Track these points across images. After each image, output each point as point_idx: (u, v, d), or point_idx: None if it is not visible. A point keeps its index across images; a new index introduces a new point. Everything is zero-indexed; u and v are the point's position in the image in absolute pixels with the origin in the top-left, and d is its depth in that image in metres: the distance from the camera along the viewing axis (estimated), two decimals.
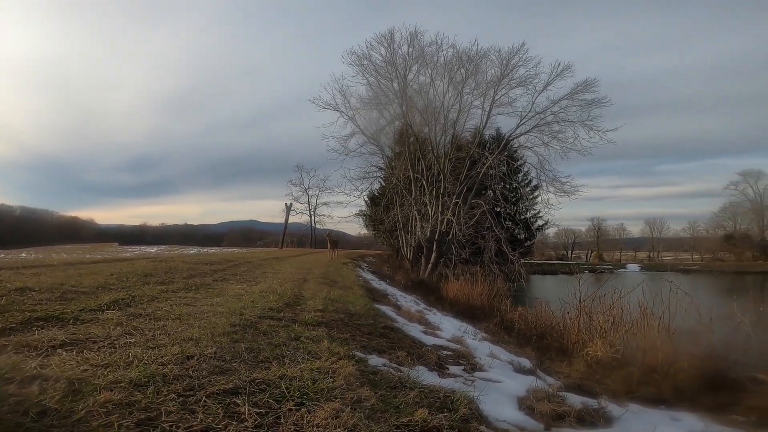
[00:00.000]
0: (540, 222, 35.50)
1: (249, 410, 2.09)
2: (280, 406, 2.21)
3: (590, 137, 22.58)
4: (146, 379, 2.28)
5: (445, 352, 4.87)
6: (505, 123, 25.52)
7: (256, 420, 2.02)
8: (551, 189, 24.73)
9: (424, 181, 25.64)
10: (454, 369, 3.92)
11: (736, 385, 5.13)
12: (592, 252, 69.70)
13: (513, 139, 25.40)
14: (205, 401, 2.15)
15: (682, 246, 68.55)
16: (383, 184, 32.43)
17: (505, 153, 25.39)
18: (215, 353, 2.93)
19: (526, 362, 5.58)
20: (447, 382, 3.26)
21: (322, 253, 27.25)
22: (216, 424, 1.92)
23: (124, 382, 2.21)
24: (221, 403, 2.13)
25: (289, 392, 2.38)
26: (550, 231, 40.91)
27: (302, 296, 6.29)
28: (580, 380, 4.92)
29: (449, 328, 7.28)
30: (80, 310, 3.99)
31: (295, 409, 2.18)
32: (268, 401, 2.26)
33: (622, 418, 3.27)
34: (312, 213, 54.16)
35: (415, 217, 25.95)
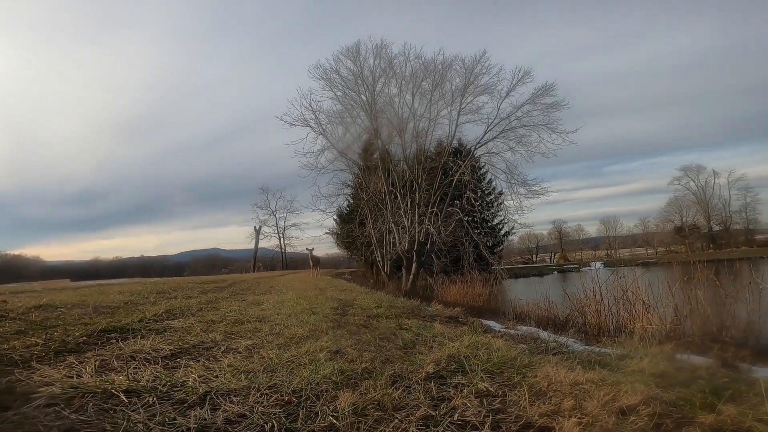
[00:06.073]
0: (506, 228, 36.03)
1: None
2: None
3: (553, 140, 23.35)
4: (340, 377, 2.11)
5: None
6: (472, 131, 25.98)
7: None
8: (521, 191, 25.25)
9: (397, 193, 25.56)
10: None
11: None
12: (555, 254, 72.06)
13: (481, 145, 25.84)
14: (414, 386, 2.03)
15: (636, 242, 72.22)
16: (351, 201, 32.23)
17: (473, 161, 25.90)
18: (355, 345, 2.70)
19: (579, 343, 5.47)
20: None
21: (299, 272, 26.44)
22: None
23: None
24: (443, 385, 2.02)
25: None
26: (514, 237, 41.76)
27: (345, 300, 5.92)
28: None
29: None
30: (139, 321, 3.49)
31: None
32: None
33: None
34: (281, 235, 53.09)
35: (391, 231, 25.71)
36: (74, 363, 2.23)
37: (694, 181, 62.71)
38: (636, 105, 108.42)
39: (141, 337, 2.94)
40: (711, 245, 58.06)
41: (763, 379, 2.28)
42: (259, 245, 51.99)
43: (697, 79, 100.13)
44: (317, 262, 20.23)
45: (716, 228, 61.38)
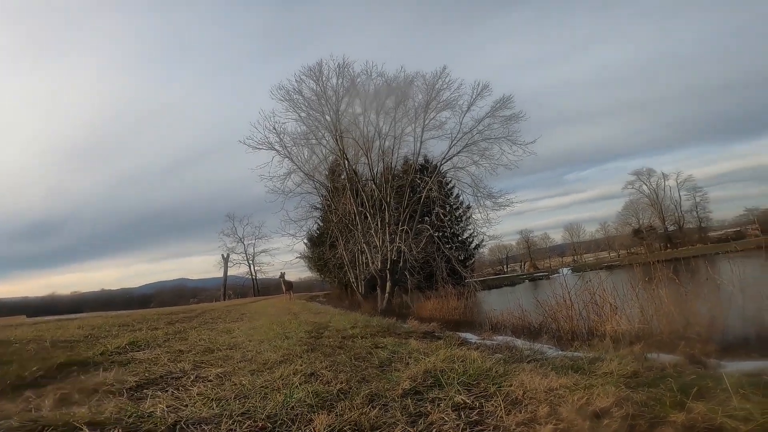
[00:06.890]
0: (476, 241, 36.45)
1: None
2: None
3: (514, 151, 23.98)
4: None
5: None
6: (437, 146, 26.35)
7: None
8: (488, 204, 25.70)
9: (367, 213, 25.53)
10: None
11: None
12: (525, 263, 73.57)
13: (447, 160, 26.25)
14: (391, 404, 2.00)
15: (599, 246, 74.89)
16: (321, 224, 31.93)
17: (440, 176, 26.28)
18: (330, 366, 2.64)
19: (553, 348, 5.57)
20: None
21: (272, 298, 25.88)
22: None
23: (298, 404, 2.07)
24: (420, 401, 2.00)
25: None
26: (485, 249, 42.46)
27: (319, 323, 5.83)
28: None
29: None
30: (101, 354, 3.32)
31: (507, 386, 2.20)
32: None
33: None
34: (251, 262, 51.87)
35: (363, 251, 25.57)
36: (32, 397, 2.11)
37: (647, 184, 65.59)
38: (585, 113, 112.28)
39: (103, 370, 2.79)
40: (668, 245, 60.80)
41: (727, 374, 2.37)
42: (229, 273, 50.64)
43: (641, 85, 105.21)
44: (290, 286, 19.88)
45: (671, 228, 64.20)
